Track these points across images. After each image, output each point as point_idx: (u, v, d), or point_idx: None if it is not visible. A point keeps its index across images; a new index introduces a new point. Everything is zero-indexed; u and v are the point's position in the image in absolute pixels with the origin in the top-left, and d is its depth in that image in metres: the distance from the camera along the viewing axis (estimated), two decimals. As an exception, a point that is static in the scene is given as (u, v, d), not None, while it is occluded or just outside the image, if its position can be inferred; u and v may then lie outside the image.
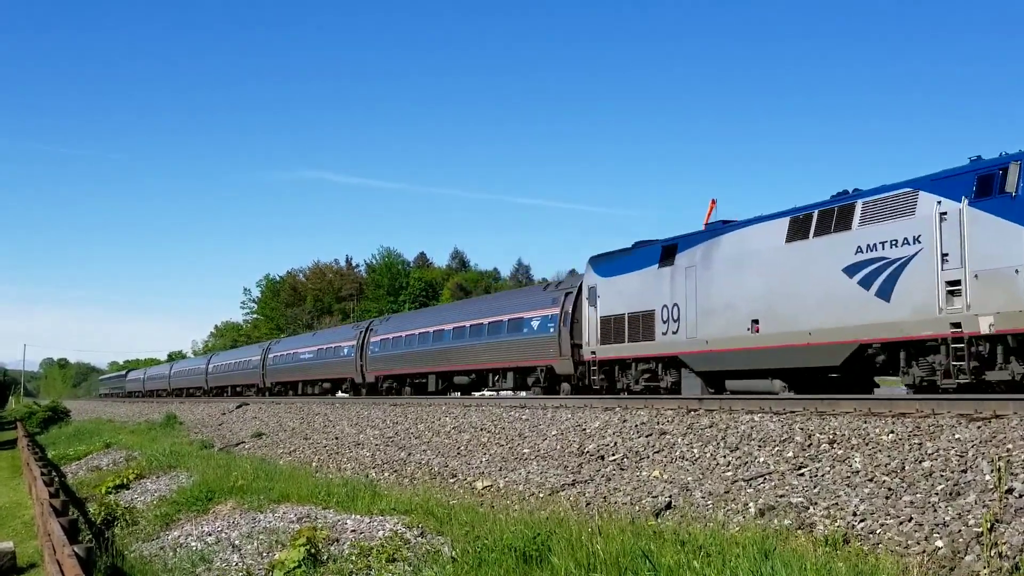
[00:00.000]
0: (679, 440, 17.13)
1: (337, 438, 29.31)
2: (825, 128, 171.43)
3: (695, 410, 19.24)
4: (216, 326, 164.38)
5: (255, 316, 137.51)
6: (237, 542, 15.27)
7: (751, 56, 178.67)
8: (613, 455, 17.71)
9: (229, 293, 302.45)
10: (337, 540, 13.90)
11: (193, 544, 16.01)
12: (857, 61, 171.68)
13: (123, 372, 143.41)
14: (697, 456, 15.97)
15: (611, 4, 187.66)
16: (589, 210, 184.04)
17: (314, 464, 25.62)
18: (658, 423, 18.80)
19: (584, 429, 20.21)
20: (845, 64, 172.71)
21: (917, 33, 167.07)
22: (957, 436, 12.68)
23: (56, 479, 25.87)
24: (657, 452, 16.98)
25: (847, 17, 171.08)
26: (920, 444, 12.87)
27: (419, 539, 13.36)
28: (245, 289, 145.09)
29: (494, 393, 36.92)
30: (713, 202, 49.42)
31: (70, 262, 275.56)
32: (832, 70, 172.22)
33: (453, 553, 11.77)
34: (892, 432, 13.68)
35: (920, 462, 12.20)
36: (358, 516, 15.41)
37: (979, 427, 12.82)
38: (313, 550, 12.95)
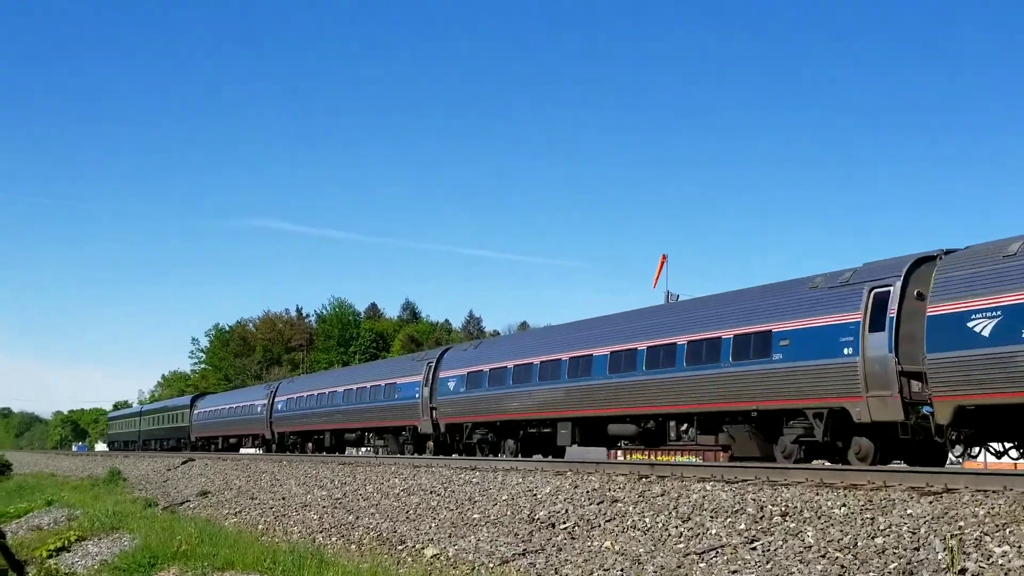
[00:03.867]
0: (631, 509, 16.96)
1: (284, 498, 28.75)
2: (779, 190, 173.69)
3: (647, 477, 19.12)
4: (163, 376, 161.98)
5: (203, 366, 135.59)
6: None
7: (709, 109, 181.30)
8: (564, 523, 17.48)
9: (177, 342, 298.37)
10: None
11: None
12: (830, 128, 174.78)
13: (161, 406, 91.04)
14: (649, 526, 15.80)
15: (564, 57, 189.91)
16: (541, 262, 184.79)
17: (260, 527, 25.07)
18: (609, 490, 18.64)
19: (535, 494, 19.98)
20: (805, 129, 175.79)
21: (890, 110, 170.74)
22: (909, 511, 12.66)
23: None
24: (609, 521, 16.78)
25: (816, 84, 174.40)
26: (872, 519, 12.82)
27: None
28: (194, 339, 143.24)
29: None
30: (664, 257, 49.80)
31: (7, 307, 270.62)
32: (795, 133, 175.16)
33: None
34: (844, 505, 13.64)
35: (873, 538, 12.15)
36: (304, 588, 15.03)
37: (931, 502, 12.82)
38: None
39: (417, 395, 38.61)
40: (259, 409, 55.97)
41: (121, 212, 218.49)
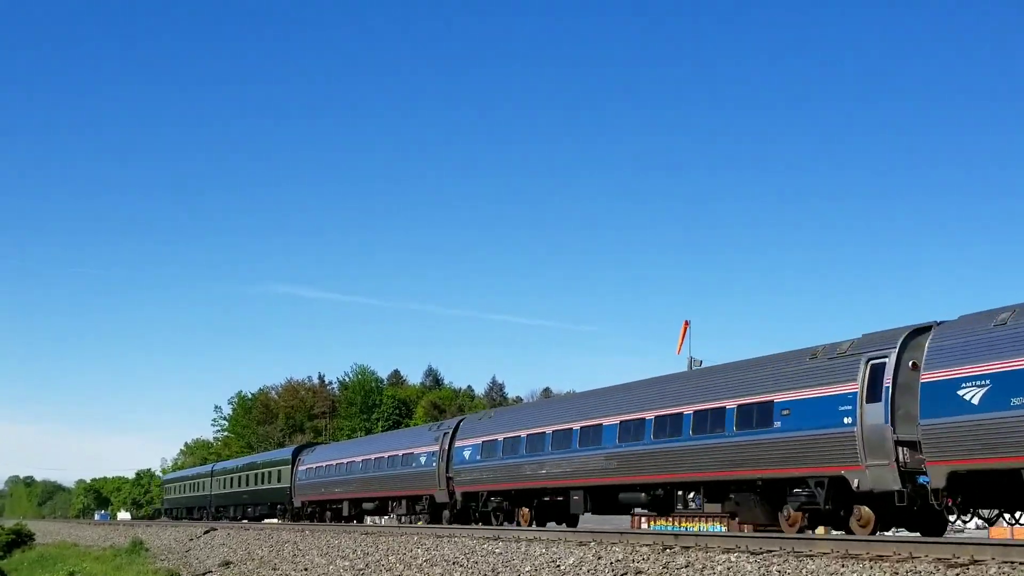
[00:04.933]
0: (655, 580, 16.83)
1: (307, 569, 28.63)
2: (806, 260, 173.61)
3: (671, 548, 18.98)
4: (186, 443, 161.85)
5: (226, 434, 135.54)
6: None
7: (727, 172, 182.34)
8: (588, 595, 17.36)
9: (200, 411, 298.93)
10: None
11: None
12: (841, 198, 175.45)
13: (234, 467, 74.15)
14: (673, 598, 15.68)
15: (582, 123, 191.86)
16: (564, 327, 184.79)
17: (282, 598, 24.98)
18: (633, 560, 18.51)
19: (558, 566, 19.85)
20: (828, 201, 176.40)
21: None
22: (935, 584, 12.54)
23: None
24: (633, 593, 16.66)
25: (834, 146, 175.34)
26: (898, 591, 12.71)
27: None
28: (216, 407, 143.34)
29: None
30: (687, 323, 49.79)
31: (33, 376, 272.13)
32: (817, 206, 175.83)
33: None
34: (870, 578, 13.53)
35: (899, 611, 12.03)
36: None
37: (957, 573, 12.70)
38: None
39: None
40: (424, 460, 40.67)
41: (142, 279, 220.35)
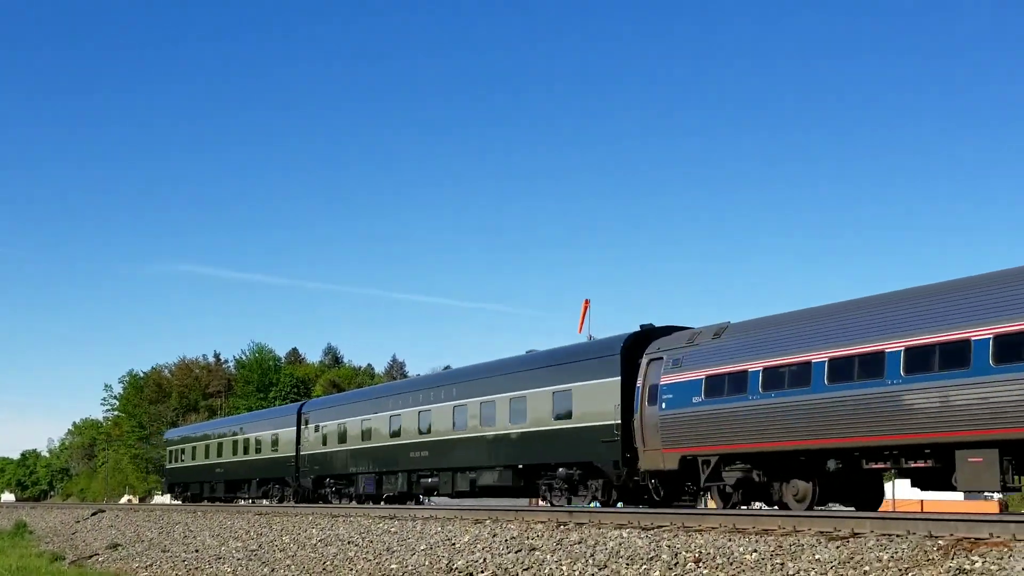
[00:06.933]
0: (548, 557, 17.00)
1: (197, 551, 28.18)
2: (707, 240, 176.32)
3: (565, 524, 19.18)
4: (75, 423, 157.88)
5: (116, 413, 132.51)
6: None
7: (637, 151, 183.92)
8: (482, 572, 17.46)
9: (89, 389, 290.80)
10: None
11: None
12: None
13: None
14: (566, 574, 15.87)
15: (488, 98, 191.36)
16: (466, 306, 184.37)
17: (172, 581, 24.58)
18: (528, 538, 18.65)
19: (454, 544, 19.91)
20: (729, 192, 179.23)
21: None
22: (818, 556, 12.92)
23: None
24: (526, 569, 16.81)
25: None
26: (782, 564, 13.06)
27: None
28: (107, 385, 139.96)
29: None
30: (587, 302, 50.25)
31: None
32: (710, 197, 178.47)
33: None
34: (755, 551, 13.86)
35: (782, 584, 12.36)
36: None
37: (838, 547, 13.10)
38: None
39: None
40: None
41: (26, 256, 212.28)
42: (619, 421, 24.43)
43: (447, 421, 31.83)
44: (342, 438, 38.76)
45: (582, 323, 48.40)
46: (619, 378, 24.87)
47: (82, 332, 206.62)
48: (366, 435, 36.91)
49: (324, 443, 40.30)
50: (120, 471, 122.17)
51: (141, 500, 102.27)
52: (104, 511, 48.43)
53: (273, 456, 45.07)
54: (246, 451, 47.76)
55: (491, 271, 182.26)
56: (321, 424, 40.92)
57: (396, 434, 34.86)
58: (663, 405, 22.87)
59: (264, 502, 45.40)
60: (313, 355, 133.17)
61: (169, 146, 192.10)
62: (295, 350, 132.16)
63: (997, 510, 43.34)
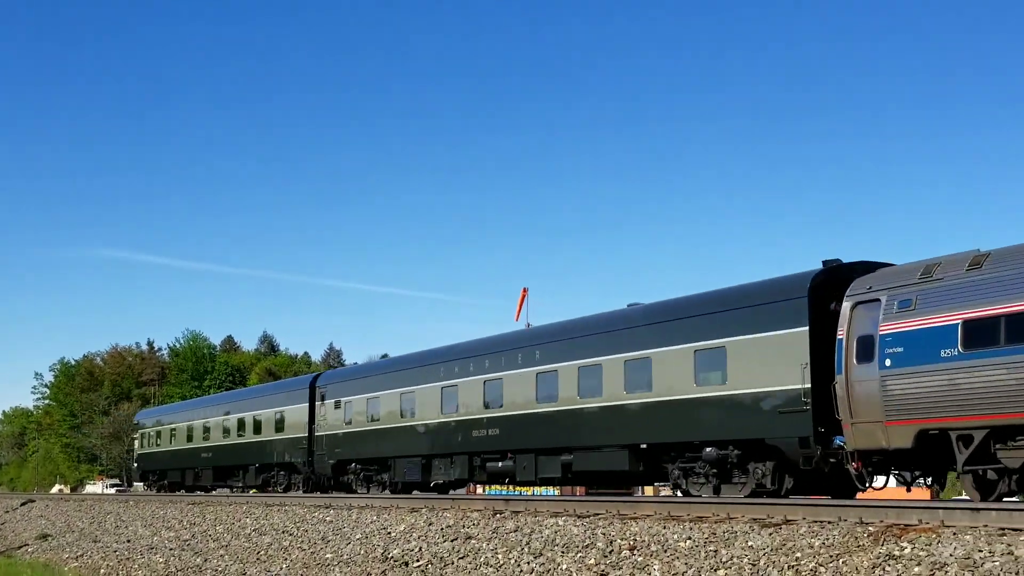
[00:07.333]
0: (484, 545, 16.98)
1: (129, 541, 27.76)
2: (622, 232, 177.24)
3: (501, 512, 19.16)
4: (4, 412, 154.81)
5: (48, 402, 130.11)
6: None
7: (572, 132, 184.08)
8: (418, 561, 17.40)
9: (19, 378, 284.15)
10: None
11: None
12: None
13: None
14: (502, 563, 15.86)
15: (429, 89, 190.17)
16: (403, 293, 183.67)
17: (103, 571, 24.20)
18: (464, 526, 18.60)
19: (389, 533, 19.81)
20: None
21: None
22: (750, 543, 13.03)
23: None
24: (462, 558, 16.77)
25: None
26: (716, 551, 13.16)
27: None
28: (37, 374, 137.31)
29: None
30: (525, 291, 50.26)
31: None
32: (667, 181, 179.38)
33: None
34: (690, 539, 13.95)
35: (715, 570, 12.47)
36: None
37: (771, 533, 13.23)
38: None
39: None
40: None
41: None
42: (808, 385, 18.72)
43: (527, 391, 26.41)
44: (373, 415, 33.30)
45: (519, 311, 48.48)
46: (807, 327, 19.26)
47: (9, 321, 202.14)
48: (407, 412, 31.31)
49: (348, 422, 34.48)
50: (51, 460, 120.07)
51: (72, 490, 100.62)
52: (34, 501, 47.57)
53: (279, 438, 38.96)
54: (241, 433, 41.55)
55: (428, 259, 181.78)
56: (344, 399, 34.94)
57: (452, 409, 29.13)
58: (887, 362, 17.06)
59: (253, 491, 40.74)
60: (249, 343, 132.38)
61: (97, 127, 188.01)
62: (230, 338, 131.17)
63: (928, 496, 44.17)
